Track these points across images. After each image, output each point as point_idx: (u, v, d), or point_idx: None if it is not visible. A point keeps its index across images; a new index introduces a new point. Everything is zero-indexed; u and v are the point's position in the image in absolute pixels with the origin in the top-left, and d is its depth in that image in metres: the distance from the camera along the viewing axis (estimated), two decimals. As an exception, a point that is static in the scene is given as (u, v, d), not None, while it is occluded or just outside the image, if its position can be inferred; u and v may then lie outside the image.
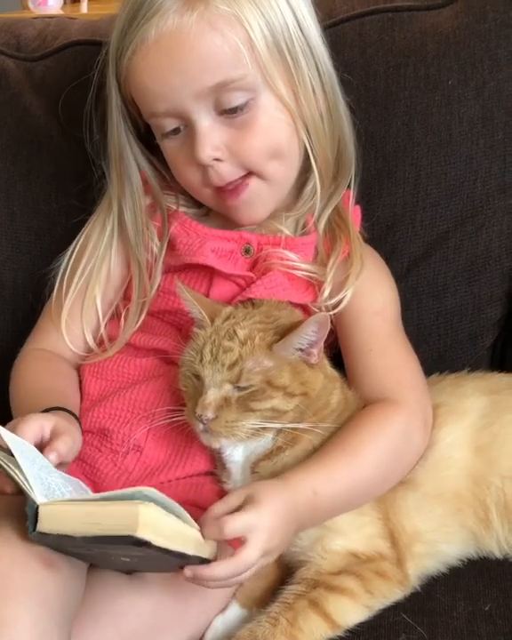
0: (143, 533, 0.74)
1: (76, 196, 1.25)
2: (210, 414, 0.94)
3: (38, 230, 1.31)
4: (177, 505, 0.82)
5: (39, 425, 0.92)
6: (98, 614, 0.90)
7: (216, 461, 1.04)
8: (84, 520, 0.76)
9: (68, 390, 1.11)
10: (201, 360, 0.97)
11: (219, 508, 0.87)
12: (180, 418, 1.00)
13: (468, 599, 0.96)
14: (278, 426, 0.96)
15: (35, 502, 0.79)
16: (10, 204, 1.32)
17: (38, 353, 1.16)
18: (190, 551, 0.81)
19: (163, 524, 0.77)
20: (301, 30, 1.04)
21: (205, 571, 0.83)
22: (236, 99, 1.01)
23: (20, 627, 0.78)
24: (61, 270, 1.17)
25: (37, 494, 0.80)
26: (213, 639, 0.96)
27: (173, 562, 0.83)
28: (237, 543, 0.85)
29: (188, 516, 0.84)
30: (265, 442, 0.98)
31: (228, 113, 1.02)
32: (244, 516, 0.86)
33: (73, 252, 1.17)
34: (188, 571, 0.83)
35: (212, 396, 0.95)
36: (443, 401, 1.06)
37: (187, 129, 1.04)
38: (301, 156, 1.09)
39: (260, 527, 0.86)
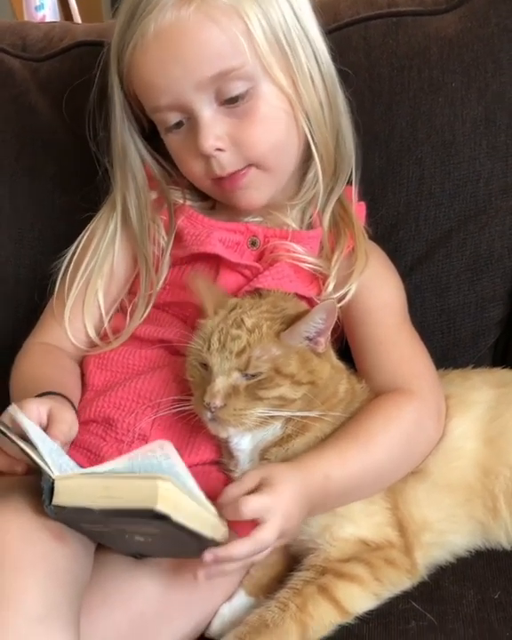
0: (163, 507, 0.73)
1: (79, 195, 1.24)
2: (218, 402, 0.93)
3: (41, 227, 1.32)
4: (196, 487, 0.82)
5: (36, 409, 0.92)
6: (107, 595, 0.89)
7: (223, 450, 1.03)
8: (102, 493, 0.76)
9: (67, 381, 1.10)
10: (209, 348, 0.97)
11: (234, 489, 0.87)
12: (186, 407, 0.99)
13: (476, 588, 0.95)
14: (286, 414, 0.96)
15: (50, 477, 0.78)
16: (13, 200, 1.32)
17: (40, 347, 1.15)
18: (206, 533, 0.80)
19: (181, 502, 0.77)
20: (299, 21, 1.05)
21: (225, 551, 0.82)
22: (237, 88, 1.02)
23: (30, 597, 0.77)
24: (64, 266, 1.17)
25: (53, 468, 0.79)
26: (220, 626, 0.95)
27: (186, 545, 0.82)
28: (250, 526, 0.85)
29: (204, 499, 0.83)
30: (274, 430, 0.98)
31: (229, 102, 1.03)
32: (261, 497, 0.86)
33: (76, 248, 1.17)
34: (208, 554, 0.82)
35: (221, 383, 0.94)
36: (452, 392, 1.06)
37: (189, 122, 1.05)
38: (301, 145, 1.10)
39: (277, 510, 0.85)
